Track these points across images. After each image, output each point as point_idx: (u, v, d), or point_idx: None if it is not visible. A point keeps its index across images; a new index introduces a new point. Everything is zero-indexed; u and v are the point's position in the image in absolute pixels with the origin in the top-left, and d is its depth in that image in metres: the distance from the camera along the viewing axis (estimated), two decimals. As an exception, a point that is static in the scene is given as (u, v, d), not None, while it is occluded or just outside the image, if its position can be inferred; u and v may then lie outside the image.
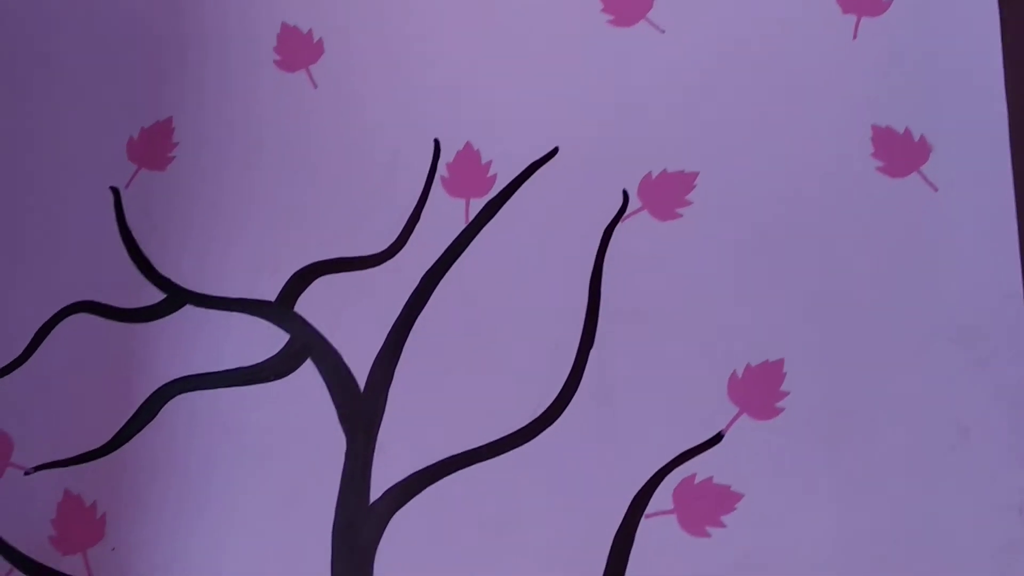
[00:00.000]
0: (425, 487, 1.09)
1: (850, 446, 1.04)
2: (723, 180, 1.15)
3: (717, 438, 1.06)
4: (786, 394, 1.07)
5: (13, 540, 1.11)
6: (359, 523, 1.09)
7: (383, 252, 1.17)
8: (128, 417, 1.13)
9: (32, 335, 1.16)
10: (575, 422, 1.09)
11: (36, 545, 1.11)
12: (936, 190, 1.12)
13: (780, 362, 1.08)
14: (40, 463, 1.13)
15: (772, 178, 1.14)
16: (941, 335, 1.07)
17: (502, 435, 1.09)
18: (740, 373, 1.08)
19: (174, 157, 1.22)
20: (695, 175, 1.15)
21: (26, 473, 1.13)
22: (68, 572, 1.10)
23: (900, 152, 1.13)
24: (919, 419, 1.05)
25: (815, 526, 1.03)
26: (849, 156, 1.14)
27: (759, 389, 1.07)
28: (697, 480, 1.05)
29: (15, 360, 1.16)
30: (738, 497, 1.04)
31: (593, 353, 1.10)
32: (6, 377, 1.16)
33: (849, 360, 1.07)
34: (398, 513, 1.08)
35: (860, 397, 1.06)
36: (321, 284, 1.16)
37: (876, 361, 1.07)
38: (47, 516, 1.11)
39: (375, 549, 1.08)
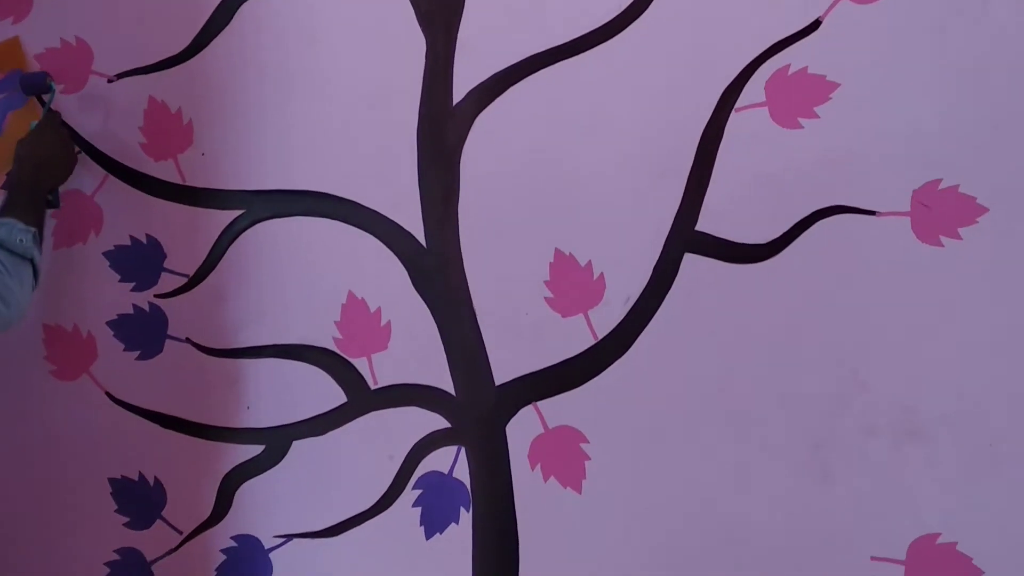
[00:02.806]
0: (509, 87, 1.06)
1: (960, 32, 0.97)
2: None
3: (814, 25, 1.00)
4: (896, -32, 0.98)
5: (105, 148, 1.14)
6: (443, 125, 1.08)
7: None
8: (203, 22, 1.11)
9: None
10: (663, 16, 1.03)
11: (128, 152, 1.13)
12: None
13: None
14: (122, 71, 1.13)
15: None
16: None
17: (587, 30, 1.04)
18: (844, -47, 1.00)
19: None
20: None
21: (109, 81, 1.13)
22: (161, 176, 1.12)
23: None
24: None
25: (916, 117, 0.98)
26: None
27: (863, -34, 0.99)
28: (791, 71, 1.01)
29: (83, -35, 1.14)
30: (834, 87, 1.00)
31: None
32: (76, -16, 1.14)
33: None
34: (482, 114, 1.07)
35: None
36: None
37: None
38: (135, 124, 1.13)
39: (460, 150, 1.07)
